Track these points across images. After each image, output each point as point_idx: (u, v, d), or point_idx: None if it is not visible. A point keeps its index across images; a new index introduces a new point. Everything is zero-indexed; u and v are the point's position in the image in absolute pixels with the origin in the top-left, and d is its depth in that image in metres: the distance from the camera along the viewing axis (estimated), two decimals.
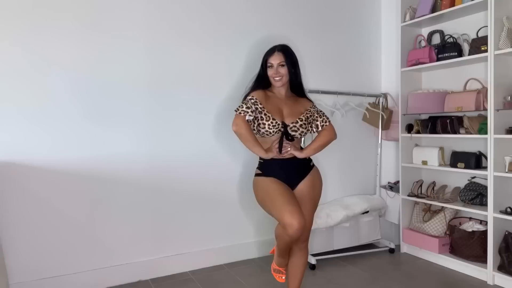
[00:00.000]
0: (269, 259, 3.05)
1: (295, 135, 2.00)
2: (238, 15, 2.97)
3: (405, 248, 3.24)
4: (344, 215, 3.03)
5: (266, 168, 2.03)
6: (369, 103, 3.39)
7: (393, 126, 3.39)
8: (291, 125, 1.99)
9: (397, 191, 3.29)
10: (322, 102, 3.24)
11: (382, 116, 3.36)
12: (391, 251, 3.24)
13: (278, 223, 1.94)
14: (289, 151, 1.99)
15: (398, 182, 3.31)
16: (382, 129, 3.43)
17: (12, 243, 2.34)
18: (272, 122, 1.96)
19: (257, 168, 2.08)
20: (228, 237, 3.00)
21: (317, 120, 2.11)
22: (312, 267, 2.88)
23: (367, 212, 3.20)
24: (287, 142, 1.99)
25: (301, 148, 2.09)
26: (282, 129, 1.97)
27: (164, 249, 2.78)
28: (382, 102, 3.41)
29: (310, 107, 2.11)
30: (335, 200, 3.36)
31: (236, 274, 2.79)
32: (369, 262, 3.02)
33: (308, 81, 3.18)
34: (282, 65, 2.02)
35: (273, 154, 1.97)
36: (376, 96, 3.45)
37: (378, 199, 3.38)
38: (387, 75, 3.60)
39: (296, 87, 2.11)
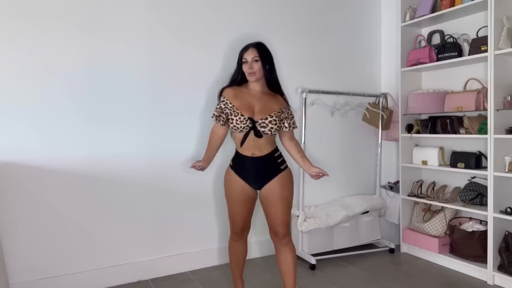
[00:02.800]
0: (269, 259, 3.05)
1: (264, 131, 2.02)
2: (237, 17, 2.96)
3: (405, 248, 3.24)
4: (344, 215, 3.03)
5: (237, 162, 2.12)
6: (369, 103, 3.39)
7: (393, 126, 3.39)
8: (260, 121, 2.02)
9: (397, 191, 3.29)
10: (322, 102, 3.25)
11: (382, 116, 3.36)
12: (391, 251, 3.24)
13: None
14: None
15: (398, 182, 3.31)
16: (382, 129, 3.43)
17: (12, 243, 2.34)
18: (240, 118, 2.01)
19: (232, 159, 2.16)
20: (228, 237, 2.98)
21: (287, 119, 2.14)
22: (312, 267, 2.87)
23: (367, 212, 3.20)
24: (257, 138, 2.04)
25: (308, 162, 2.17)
26: (250, 125, 2.01)
27: (164, 249, 2.78)
28: (382, 102, 3.41)
29: (284, 108, 2.12)
30: (335, 200, 3.36)
31: None
32: (369, 262, 3.02)
33: (308, 81, 3.20)
34: (256, 60, 2.06)
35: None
36: (376, 96, 3.44)
37: (378, 199, 3.38)
38: (387, 75, 3.60)
39: (272, 84, 2.14)
